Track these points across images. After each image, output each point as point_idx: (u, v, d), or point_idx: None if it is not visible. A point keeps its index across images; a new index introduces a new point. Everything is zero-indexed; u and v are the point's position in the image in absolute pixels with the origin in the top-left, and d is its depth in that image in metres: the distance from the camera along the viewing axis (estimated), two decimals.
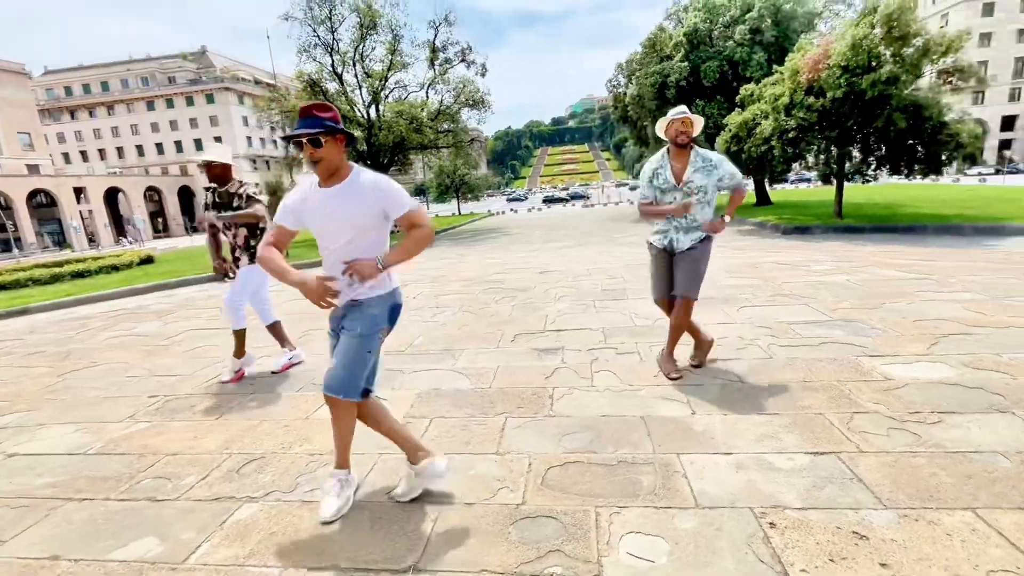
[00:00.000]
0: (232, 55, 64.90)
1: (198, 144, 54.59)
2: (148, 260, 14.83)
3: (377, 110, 25.25)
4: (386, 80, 25.00)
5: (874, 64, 13.02)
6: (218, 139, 54.30)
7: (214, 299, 7.81)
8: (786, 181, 15.72)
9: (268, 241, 2.06)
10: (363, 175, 2.02)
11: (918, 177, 13.72)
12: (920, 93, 13.27)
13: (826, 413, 2.58)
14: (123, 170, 52.39)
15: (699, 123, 3.16)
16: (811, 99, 13.65)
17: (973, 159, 13.87)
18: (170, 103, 55.13)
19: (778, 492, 1.99)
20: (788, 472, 2.12)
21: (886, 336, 3.62)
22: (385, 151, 25.15)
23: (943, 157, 13.05)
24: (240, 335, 3.82)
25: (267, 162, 59.67)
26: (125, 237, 41.15)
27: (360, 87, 24.74)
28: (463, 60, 25.99)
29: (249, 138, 56.86)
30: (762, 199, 21.86)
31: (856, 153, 14.54)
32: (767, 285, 5.56)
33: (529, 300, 5.81)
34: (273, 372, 3.90)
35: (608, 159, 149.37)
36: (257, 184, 4.13)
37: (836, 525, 1.79)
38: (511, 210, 44.75)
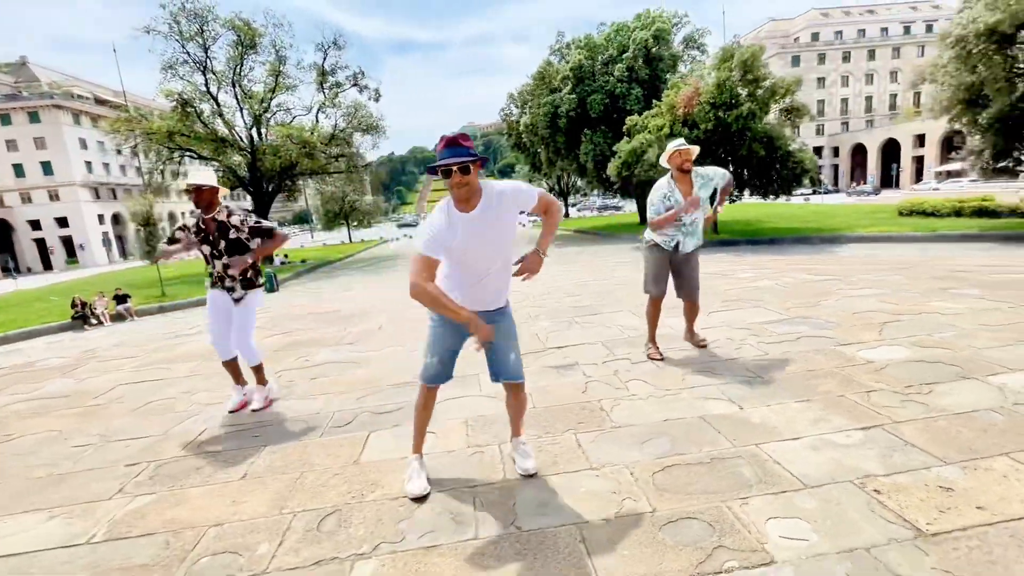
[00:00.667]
0: (63, 68, 55.96)
1: (18, 170, 45.96)
2: None
3: (260, 133, 23.51)
4: (270, 102, 23.45)
5: (735, 101, 15.25)
6: (46, 164, 46.22)
7: (121, 347, 6.65)
8: None
9: (423, 275, 1.97)
10: (494, 188, 2.09)
11: (771, 197, 16.28)
12: (770, 126, 15.73)
13: (846, 394, 3.00)
14: None
15: (695, 150, 3.57)
16: (686, 130, 15.54)
17: (813, 181, 16.85)
18: None
19: (861, 464, 2.29)
20: (855, 446, 2.44)
21: (842, 328, 4.29)
22: (271, 176, 23.48)
23: (793, 179, 15.59)
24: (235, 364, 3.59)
25: (113, 190, 51.99)
26: None
27: (241, 109, 22.87)
28: (355, 84, 25.36)
29: (89, 163, 49.19)
30: (644, 219, 24.33)
31: None
32: (712, 292, 6.20)
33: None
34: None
35: None
36: (250, 212, 3.77)
37: (923, 483, 2.11)
38: (405, 236, 44.06)
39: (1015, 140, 12.96)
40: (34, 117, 45.65)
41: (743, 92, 15.42)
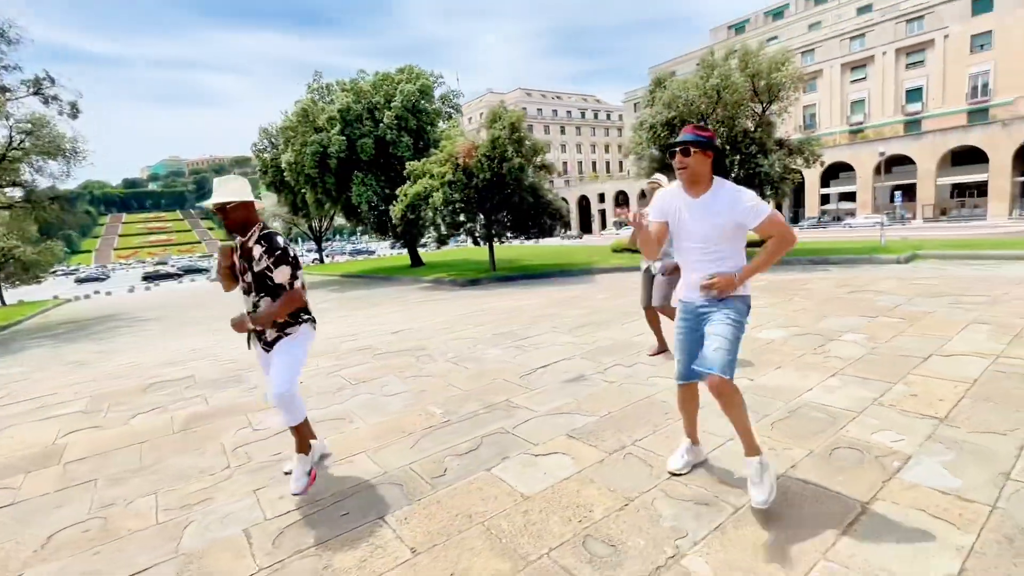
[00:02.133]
0: None
1: None
2: None
3: None
4: None
5: (506, 156, 17.74)
6: None
7: None
8: (446, 244, 19.38)
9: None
10: (724, 187, 2.32)
11: (534, 240, 19.50)
12: (532, 179, 18.72)
13: (786, 360, 4.23)
14: None
15: (664, 180, 4.46)
16: (465, 179, 17.29)
17: (567, 226, 20.78)
18: None
19: (859, 392, 3.40)
20: (839, 388, 3.57)
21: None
22: None
23: (553, 225, 18.86)
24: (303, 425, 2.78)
25: None
26: None
27: None
28: (37, 92, 19.19)
29: None
30: (416, 261, 25.39)
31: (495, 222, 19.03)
32: (565, 315, 7.27)
33: (455, 353, 5.63)
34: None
35: (211, 228, 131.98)
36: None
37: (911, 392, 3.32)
38: (96, 292, 34.30)
39: None
40: None
41: (510, 148, 18.03)
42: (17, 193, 19.31)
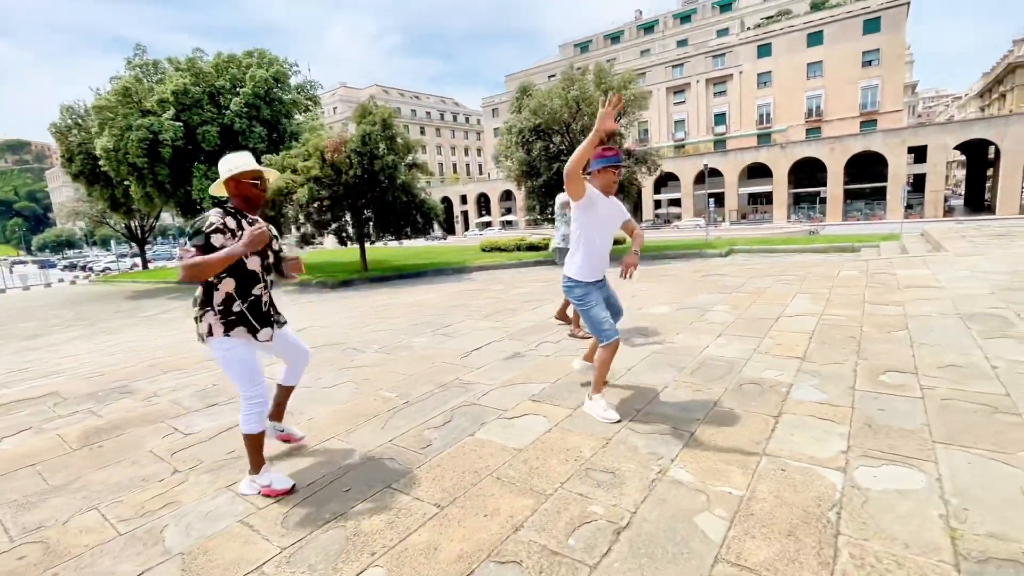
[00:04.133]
0: None
1: None
2: None
3: None
4: None
5: (377, 152, 17.37)
6: None
7: None
8: (311, 244, 18.40)
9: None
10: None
11: (406, 240, 19.36)
12: (405, 177, 18.55)
13: (683, 329, 5.12)
14: None
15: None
16: (333, 175, 16.60)
17: (438, 226, 20.99)
18: None
19: (731, 344, 4.32)
20: (724, 344, 4.48)
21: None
22: None
23: (428, 224, 18.93)
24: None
25: None
26: None
27: None
28: None
29: None
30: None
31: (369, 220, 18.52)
32: (473, 305, 7.68)
33: (381, 344, 5.44)
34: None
35: None
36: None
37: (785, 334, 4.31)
38: None
39: (550, 200, 20.08)
40: None
41: (383, 145, 17.65)
42: None
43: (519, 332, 5.58)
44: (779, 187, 40.80)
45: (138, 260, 37.49)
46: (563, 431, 3.01)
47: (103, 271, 39.54)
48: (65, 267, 49.61)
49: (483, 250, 21.73)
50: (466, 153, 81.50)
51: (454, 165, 79.16)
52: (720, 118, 49.26)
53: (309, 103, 26.63)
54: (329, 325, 7.16)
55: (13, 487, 2.87)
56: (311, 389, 4.16)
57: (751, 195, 44.58)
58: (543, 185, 19.10)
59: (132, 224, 33.13)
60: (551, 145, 18.93)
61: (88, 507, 2.58)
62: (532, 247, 20.71)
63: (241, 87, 22.00)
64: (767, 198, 43.05)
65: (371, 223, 18.28)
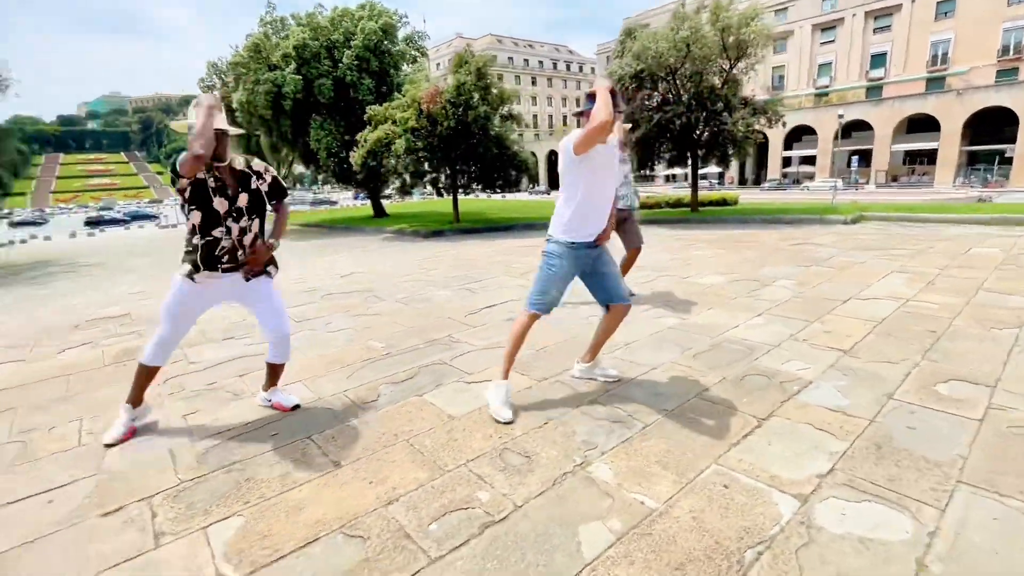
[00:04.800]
0: None
1: None
2: None
3: None
4: None
5: (471, 103, 17.18)
6: None
7: None
8: (410, 195, 18.78)
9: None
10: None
11: (499, 193, 19.16)
12: (498, 129, 18.20)
13: (724, 302, 4.45)
14: None
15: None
16: (429, 126, 16.74)
17: (534, 180, 20.63)
18: None
19: (783, 329, 3.62)
20: (764, 325, 3.79)
21: (670, 268, 5.96)
22: None
23: (519, 177, 18.63)
24: None
25: None
26: None
27: None
28: None
29: None
30: (379, 212, 24.65)
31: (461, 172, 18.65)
32: (520, 262, 7.34)
33: (405, 294, 5.61)
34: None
35: (159, 172, 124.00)
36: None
37: (847, 329, 3.56)
38: (33, 237, 32.23)
39: (651, 155, 18.65)
40: None
41: (476, 95, 17.42)
42: None
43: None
44: (948, 143, 33.74)
45: None
46: None
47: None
48: None
49: None
50: (578, 103, 78.57)
51: (564, 117, 76.90)
52: (878, 60, 41.43)
53: (417, 54, 27.15)
54: (373, 273, 7.40)
55: (41, 391, 3.36)
56: (315, 332, 4.33)
57: (907, 153, 37.58)
58: (642, 138, 17.75)
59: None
60: (655, 93, 17.43)
61: (75, 418, 2.92)
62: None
63: (353, 40, 22.94)
64: (929, 157, 35.97)
65: (463, 175, 18.46)
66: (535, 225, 15.16)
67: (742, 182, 45.04)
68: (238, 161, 2.56)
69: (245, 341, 4.19)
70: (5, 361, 4.06)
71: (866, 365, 2.98)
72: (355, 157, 17.67)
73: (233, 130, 2.56)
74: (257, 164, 2.65)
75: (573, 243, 2.65)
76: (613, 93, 2.47)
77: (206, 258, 2.54)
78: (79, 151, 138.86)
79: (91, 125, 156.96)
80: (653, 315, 4.23)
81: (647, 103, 17.49)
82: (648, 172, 19.86)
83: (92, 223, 42.73)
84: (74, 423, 2.85)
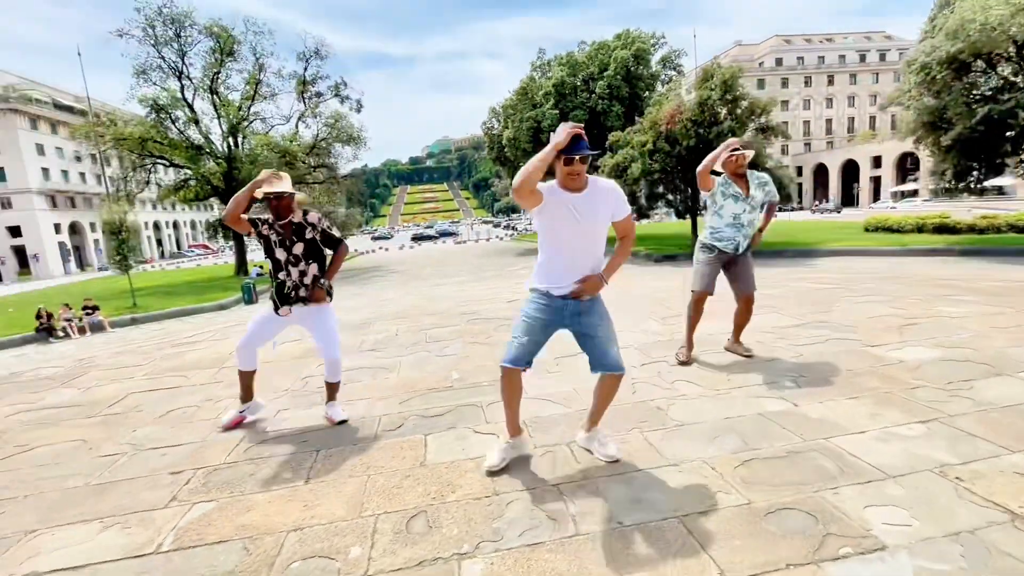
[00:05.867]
0: (15, 70, 53.10)
1: None
2: None
3: (236, 142, 22.93)
4: (248, 110, 22.99)
5: (715, 119, 15.74)
6: None
7: (123, 355, 6.31)
8: (648, 217, 18.19)
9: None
10: (600, 181, 2.33)
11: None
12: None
13: (893, 391, 3.11)
14: None
15: (750, 155, 3.75)
16: (667, 146, 15.94)
17: (789, 198, 17.57)
18: None
19: (933, 454, 2.37)
20: (920, 438, 2.52)
21: (862, 330, 4.44)
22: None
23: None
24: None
25: (71, 199, 49.76)
26: None
27: (218, 116, 22.30)
28: (336, 95, 25.17)
29: (46, 170, 47.03)
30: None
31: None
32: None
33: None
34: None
35: (468, 198, 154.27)
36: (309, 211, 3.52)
37: (999, 470, 2.20)
38: (381, 248, 43.70)
39: (973, 161, 13.75)
40: None
41: (722, 111, 15.94)
42: (322, 174, 26.06)
43: (671, 341, 4.56)
44: None
45: None
46: (480, 462, 2.60)
47: (523, 231, 51.73)
48: (504, 226, 67.29)
49: (865, 230, 16.62)
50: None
51: (872, 119, 62.77)
52: None
53: (673, 72, 26.59)
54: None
55: (173, 379, 4.75)
56: (428, 355, 4.85)
57: None
58: (956, 139, 13.45)
59: None
60: (982, 80, 13.03)
61: (169, 407, 4.07)
62: (943, 228, 14.34)
63: (606, 71, 24.03)
64: None
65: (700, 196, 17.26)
66: (784, 252, 12.63)
67: None
68: (297, 214, 3.20)
69: (376, 354, 5.04)
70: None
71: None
72: None
73: (300, 196, 3.23)
74: (312, 217, 3.23)
75: (545, 292, 2.41)
76: (577, 137, 2.16)
77: (278, 295, 3.28)
78: (419, 183, 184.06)
79: (428, 163, 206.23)
80: (753, 392, 3.25)
81: (969, 95, 13.19)
82: (973, 184, 14.85)
83: (416, 238, 55.50)
84: (158, 407, 4.00)
